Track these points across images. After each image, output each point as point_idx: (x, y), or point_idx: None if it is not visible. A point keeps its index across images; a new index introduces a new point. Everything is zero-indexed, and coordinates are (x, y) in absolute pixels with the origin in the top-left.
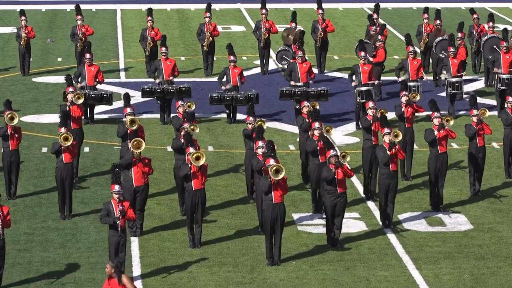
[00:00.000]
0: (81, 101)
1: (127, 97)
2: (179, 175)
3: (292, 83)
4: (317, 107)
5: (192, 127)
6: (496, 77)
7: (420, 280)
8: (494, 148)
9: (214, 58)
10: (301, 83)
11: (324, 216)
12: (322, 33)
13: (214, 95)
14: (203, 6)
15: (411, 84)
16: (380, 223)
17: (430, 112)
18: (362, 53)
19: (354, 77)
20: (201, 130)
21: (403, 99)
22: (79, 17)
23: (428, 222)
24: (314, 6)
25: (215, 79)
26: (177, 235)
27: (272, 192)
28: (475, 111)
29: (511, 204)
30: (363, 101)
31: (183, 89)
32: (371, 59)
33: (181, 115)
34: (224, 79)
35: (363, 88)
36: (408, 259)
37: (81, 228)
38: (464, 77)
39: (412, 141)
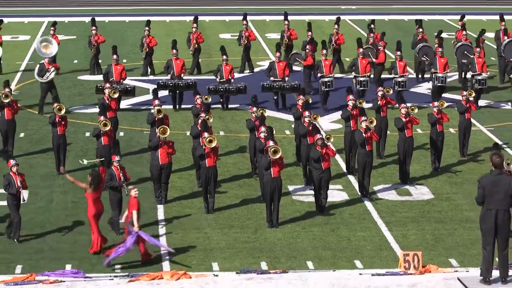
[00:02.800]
0: (116, 95)
1: (155, 92)
2: (196, 154)
3: (272, 78)
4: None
5: (207, 116)
6: (433, 76)
7: (391, 239)
8: (451, 133)
9: (199, 60)
10: (279, 78)
11: (313, 187)
12: (334, 44)
13: (211, 87)
14: (217, 18)
15: (400, 79)
16: (359, 193)
17: (398, 104)
18: (361, 49)
19: (353, 68)
20: (214, 118)
21: (379, 93)
22: (94, 27)
23: (397, 192)
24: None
25: (199, 76)
26: (194, 203)
27: (271, 168)
28: (436, 103)
29: (464, 178)
30: (362, 88)
31: (190, 83)
32: (374, 60)
33: (199, 105)
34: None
35: (361, 78)
36: (381, 223)
37: None
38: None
39: (386, 127)
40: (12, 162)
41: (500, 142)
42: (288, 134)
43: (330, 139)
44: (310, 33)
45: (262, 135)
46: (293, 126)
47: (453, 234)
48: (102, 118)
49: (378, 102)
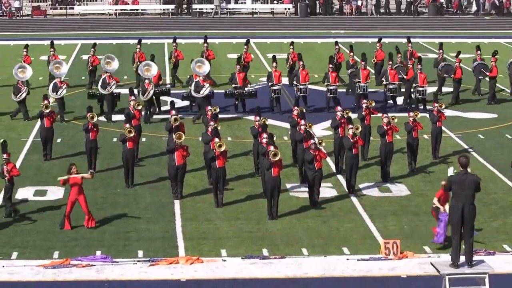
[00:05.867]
0: (140, 107)
1: (172, 103)
2: (207, 157)
3: (233, 85)
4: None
5: (216, 124)
6: (357, 85)
7: (374, 229)
8: (425, 139)
9: (176, 73)
10: (239, 86)
11: (307, 185)
12: (336, 60)
13: (228, 91)
14: (227, 40)
15: (391, 86)
16: (346, 190)
17: (381, 114)
18: (363, 62)
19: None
20: (223, 126)
21: (364, 105)
22: (139, 46)
23: (379, 189)
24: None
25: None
26: (206, 198)
27: (272, 169)
28: (411, 113)
29: (436, 177)
30: (363, 93)
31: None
32: (404, 76)
33: (209, 115)
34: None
35: (362, 84)
36: (365, 215)
37: (140, 194)
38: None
39: (370, 133)
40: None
41: (466, 147)
42: (286, 139)
43: (322, 144)
44: (352, 53)
45: (264, 140)
46: (289, 132)
47: (427, 225)
48: (127, 126)
49: (363, 113)
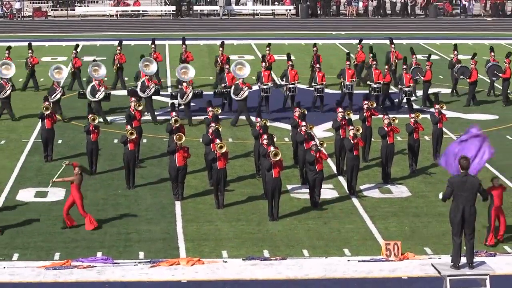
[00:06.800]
0: (141, 108)
1: (172, 105)
2: (208, 158)
3: (222, 85)
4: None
5: (217, 125)
6: (342, 85)
7: (375, 231)
8: (426, 140)
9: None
10: (228, 85)
11: (308, 186)
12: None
13: (217, 91)
14: (228, 42)
15: (375, 86)
16: (347, 191)
17: (382, 115)
18: (348, 62)
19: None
20: (224, 127)
21: (365, 107)
22: (30, 51)
23: (380, 191)
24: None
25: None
26: (207, 199)
27: (272, 170)
28: (412, 114)
29: (437, 179)
30: (348, 91)
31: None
32: (422, 77)
33: (210, 116)
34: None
35: (347, 83)
36: (366, 216)
37: (141, 195)
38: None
39: (370, 135)
40: None
41: None
42: (287, 141)
43: (323, 145)
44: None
45: (264, 141)
46: (290, 134)
47: (427, 226)
48: (128, 127)
49: (364, 114)
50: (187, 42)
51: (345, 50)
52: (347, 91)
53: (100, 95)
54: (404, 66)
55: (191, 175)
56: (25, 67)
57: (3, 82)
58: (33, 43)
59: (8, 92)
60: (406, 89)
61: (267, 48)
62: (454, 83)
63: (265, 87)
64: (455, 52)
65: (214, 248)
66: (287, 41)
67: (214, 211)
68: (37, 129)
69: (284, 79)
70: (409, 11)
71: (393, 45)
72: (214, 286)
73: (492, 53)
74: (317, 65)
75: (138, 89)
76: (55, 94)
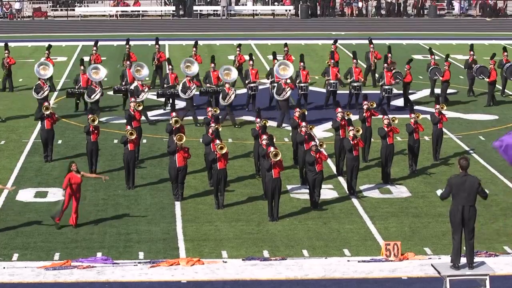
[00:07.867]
0: (141, 108)
1: (173, 105)
2: (209, 159)
3: (208, 85)
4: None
5: (217, 125)
6: (327, 83)
7: (374, 231)
8: (426, 141)
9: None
10: (213, 84)
11: (308, 187)
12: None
13: (202, 89)
14: (228, 42)
15: (355, 84)
16: (347, 192)
17: (381, 116)
18: (332, 61)
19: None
20: (224, 128)
21: (365, 107)
22: (6, 51)
23: (380, 191)
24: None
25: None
26: (207, 200)
27: (272, 170)
28: (412, 115)
29: (437, 179)
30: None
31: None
32: (441, 78)
33: (210, 117)
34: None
35: (332, 81)
36: (366, 217)
37: (141, 195)
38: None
39: (370, 135)
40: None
41: (467, 148)
42: (286, 141)
43: (323, 146)
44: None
45: (264, 142)
46: (290, 134)
47: (427, 226)
48: (128, 127)
49: (364, 114)
50: (183, 42)
51: (345, 50)
52: (331, 89)
53: (95, 96)
54: (385, 65)
55: (191, 176)
56: (1, 67)
57: (41, 82)
58: (33, 43)
59: (46, 92)
60: (387, 87)
61: (237, 49)
62: (470, 83)
63: (252, 85)
64: (471, 52)
65: (214, 248)
66: (287, 41)
67: (214, 211)
68: (37, 130)
69: (270, 77)
70: (402, 10)
71: (372, 45)
72: (214, 286)
73: (505, 53)
74: (301, 63)
75: (179, 90)
76: (94, 95)
